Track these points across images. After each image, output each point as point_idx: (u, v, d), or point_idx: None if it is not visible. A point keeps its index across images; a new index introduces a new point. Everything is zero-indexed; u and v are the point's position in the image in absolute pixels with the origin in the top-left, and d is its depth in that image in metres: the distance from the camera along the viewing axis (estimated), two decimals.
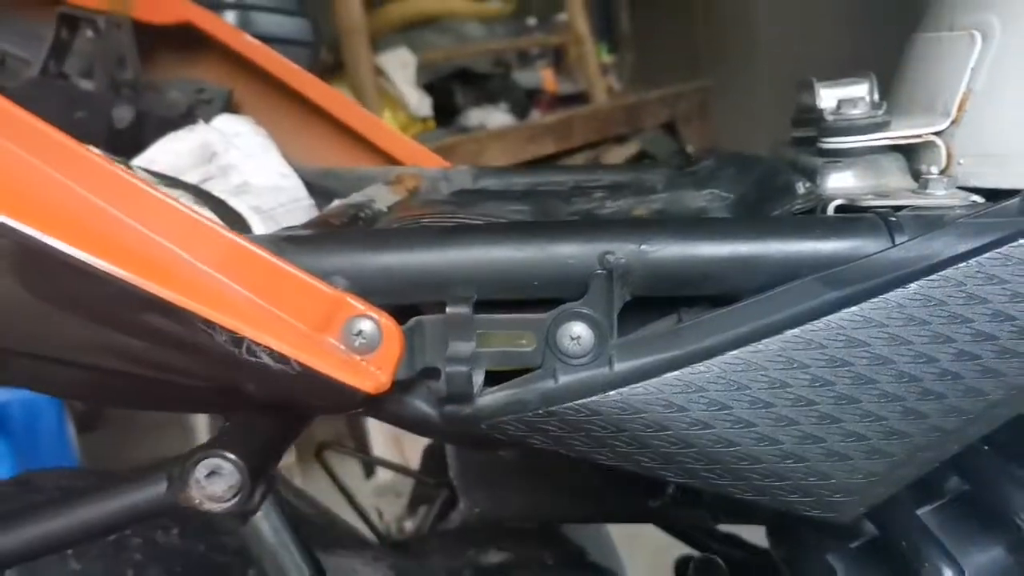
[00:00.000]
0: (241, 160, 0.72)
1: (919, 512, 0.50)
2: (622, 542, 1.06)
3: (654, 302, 0.48)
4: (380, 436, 1.92)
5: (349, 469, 1.29)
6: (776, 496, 0.44)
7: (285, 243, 0.47)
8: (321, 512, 0.86)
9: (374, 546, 0.81)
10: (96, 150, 0.46)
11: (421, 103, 2.77)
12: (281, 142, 0.77)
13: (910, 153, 0.53)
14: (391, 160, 0.82)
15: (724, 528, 0.88)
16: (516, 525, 0.88)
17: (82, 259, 0.40)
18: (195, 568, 0.66)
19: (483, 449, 0.52)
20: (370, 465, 1.82)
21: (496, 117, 3.31)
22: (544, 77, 3.60)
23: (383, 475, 1.84)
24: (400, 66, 2.75)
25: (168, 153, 0.70)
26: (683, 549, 0.89)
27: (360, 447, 1.86)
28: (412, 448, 1.83)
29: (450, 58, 3.06)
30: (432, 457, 1.06)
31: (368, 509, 1.08)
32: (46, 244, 0.40)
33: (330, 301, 0.44)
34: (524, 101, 3.47)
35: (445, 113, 2.95)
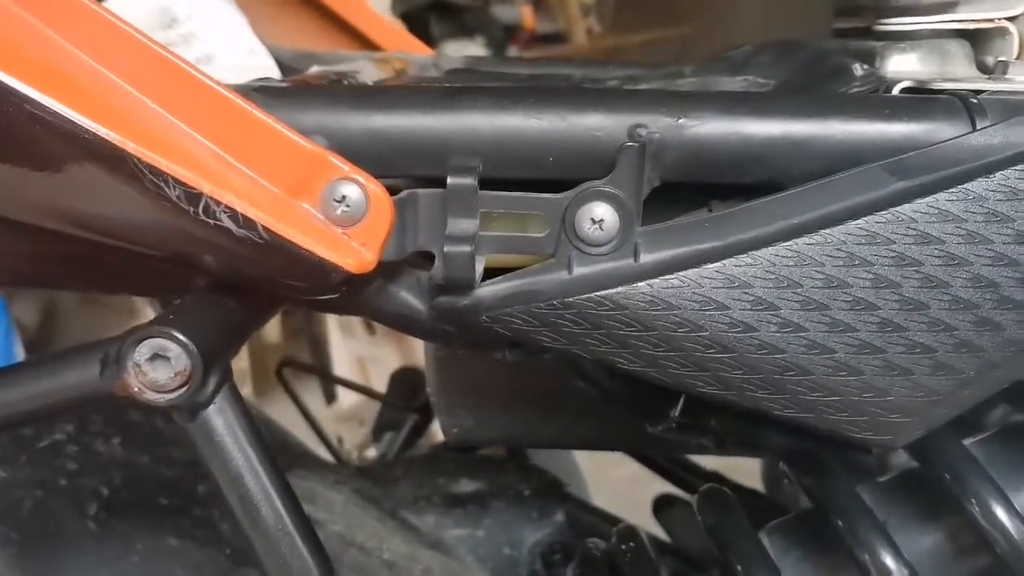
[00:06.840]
0: (204, 29, 0.64)
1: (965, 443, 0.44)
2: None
3: (680, 194, 0.42)
4: (344, 360, 1.85)
5: (309, 395, 1.22)
6: (823, 414, 0.38)
7: (256, 94, 0.39)
8: (278, 432, 0.80)
9: (336, 469, 0.75)
10: None
11: None
12: (251, 19, 0.68)
13: (976, 41, 0.47)
14: (374, 47, 0.74)
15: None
16: (488, 454, 0.82)
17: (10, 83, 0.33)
18: (137, 481, 0.59)
19: (475, 350, 0.45)
20: (331, 391, 1.75)
21: (471, 51, 3.23)
22: (523, 13, 3.51)
23: (345, 402, 1.77)
24: None
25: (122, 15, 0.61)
26: (649, 488, 0.84)
27: (323, 371, 1.78)
28: (377, 374, 1.76)
29: None
30: (400, 382, 1.00)
31: (329, 436, 1.01)
32: None
33: (309, 159, 0.37)
34: (501, 36, 3.39)
35: None
